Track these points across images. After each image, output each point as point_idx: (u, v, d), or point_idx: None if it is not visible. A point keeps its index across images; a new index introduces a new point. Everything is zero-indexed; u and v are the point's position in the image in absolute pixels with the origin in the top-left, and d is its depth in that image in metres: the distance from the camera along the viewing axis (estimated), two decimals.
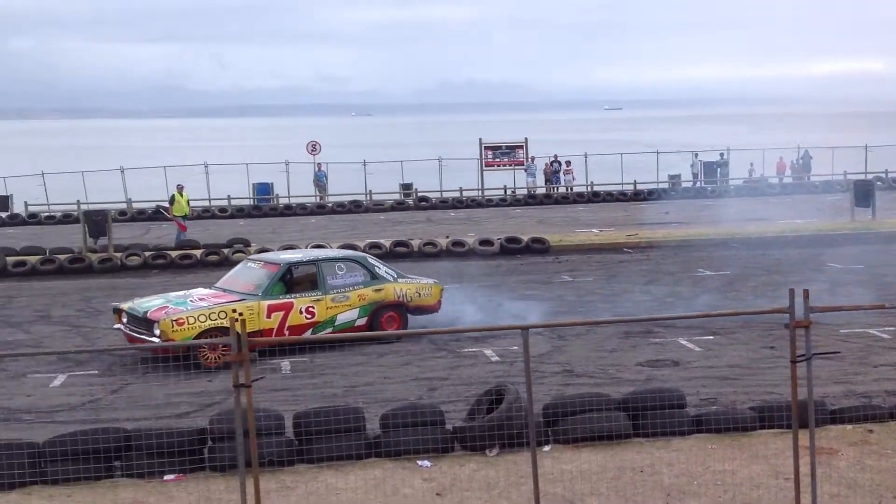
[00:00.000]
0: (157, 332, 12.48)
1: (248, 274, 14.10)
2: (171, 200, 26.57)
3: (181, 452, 8.42)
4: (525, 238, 23.44)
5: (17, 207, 34.99)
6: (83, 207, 30.04)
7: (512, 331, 13.40)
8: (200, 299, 13.35)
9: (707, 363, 12.43)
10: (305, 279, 14.12)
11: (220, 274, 16.20)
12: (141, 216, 32.81)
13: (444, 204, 35.03)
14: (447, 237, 24.26)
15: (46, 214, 33.42)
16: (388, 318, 14.19)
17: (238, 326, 6.72)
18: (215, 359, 12.38)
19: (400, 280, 14.52)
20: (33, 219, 32.67)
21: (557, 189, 38.22)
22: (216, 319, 12.72)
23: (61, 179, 38.67)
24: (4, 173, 38.94)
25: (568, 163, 39.34)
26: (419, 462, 8.67)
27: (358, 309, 13.94)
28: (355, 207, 34.15)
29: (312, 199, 36.85)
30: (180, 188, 26.80)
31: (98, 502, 7.92)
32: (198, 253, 22.48)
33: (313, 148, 38.53)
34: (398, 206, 34.63)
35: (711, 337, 13.77)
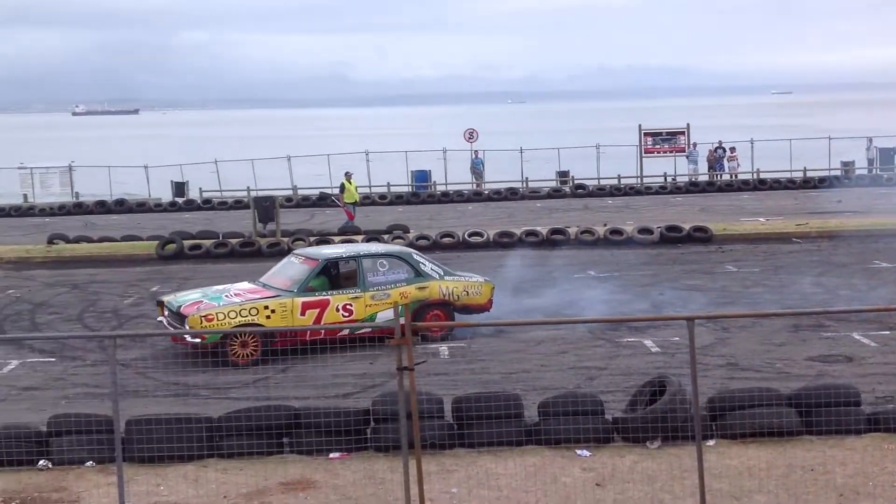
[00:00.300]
0: (187, 327, 12.47)
1: (288, 269, 13.80)
2: (342, 188, 27.37)
3: (346, 432, 8.70)
4: (686, 227, 22.85)
5: (193, 193, 36.98)
6: (252, 194, 31.44)
7: (672, 321, 13.17)
8: (236, 295, 13.14)
9: (884, 359, 11.79)
10: (345, 276, 13.74)
11: None
12: (305, 202, 33.96)
13: (602, 191, 34.55)
14: (605, 225, 23.94)
15: (219, 200, 35.07)
16: (432, 316, 13.51)
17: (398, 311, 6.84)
18: (245, 355, 12.42)
19: (447, 278, 13.88)
20: (207, 204, 34.36)
21: (721, 176, 37.03)
22: (247, 316, 12.56)
23: (233, 167, 40.55)
24: (181, 161, 41.19)
25: (732, 149, 38.01)
26: (578, 451, 8.62)
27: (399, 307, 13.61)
28: (511, 195, 34.16)
29: (469, 187, 37.14)
30: (349, 176, 27.56)
31: (269, 476, 8.28)
32: (359, 239, 23.07)
33: (470, 135, 38.83)
34: (555, 194, 34.41)
35: (888, 332, 13.04)
